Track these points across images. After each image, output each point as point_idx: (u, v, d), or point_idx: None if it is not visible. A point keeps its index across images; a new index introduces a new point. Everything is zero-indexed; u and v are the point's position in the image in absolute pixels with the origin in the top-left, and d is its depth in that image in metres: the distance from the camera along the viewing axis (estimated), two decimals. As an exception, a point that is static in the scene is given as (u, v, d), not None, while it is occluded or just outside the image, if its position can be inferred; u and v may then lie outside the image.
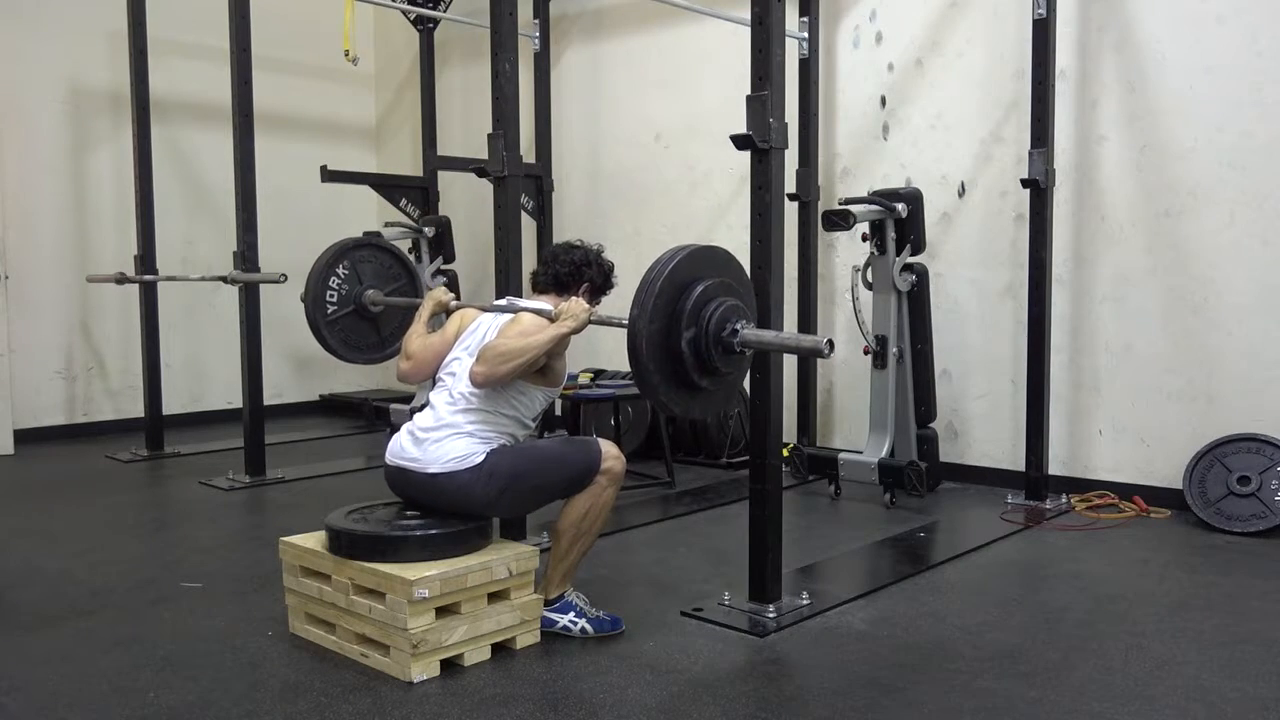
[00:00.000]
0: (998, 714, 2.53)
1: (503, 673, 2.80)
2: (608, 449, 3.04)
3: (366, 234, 4.41)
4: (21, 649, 3.00)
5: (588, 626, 3.08)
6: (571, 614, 3.09)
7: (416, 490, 3.01)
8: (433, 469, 2.93)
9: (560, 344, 3.01)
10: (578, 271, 3.20)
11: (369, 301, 3.91)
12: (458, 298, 6.70)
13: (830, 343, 2.69)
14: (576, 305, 3.00)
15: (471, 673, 2.80)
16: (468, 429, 2.97)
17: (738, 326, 2.79)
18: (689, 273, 2.78)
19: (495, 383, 2.95)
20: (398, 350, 3.42)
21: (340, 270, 3.89)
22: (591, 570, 3.71)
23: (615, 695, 2.64)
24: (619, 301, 3.07)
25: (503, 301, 3.35)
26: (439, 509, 2.99)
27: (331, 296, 3.89)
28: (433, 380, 3.21)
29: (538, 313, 3.05)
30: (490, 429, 3.00)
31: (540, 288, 3.26)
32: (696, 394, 2.86)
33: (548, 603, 3.08)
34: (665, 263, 2.75)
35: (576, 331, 2.97)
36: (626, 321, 2.75)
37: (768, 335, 2.86)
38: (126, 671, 2.81)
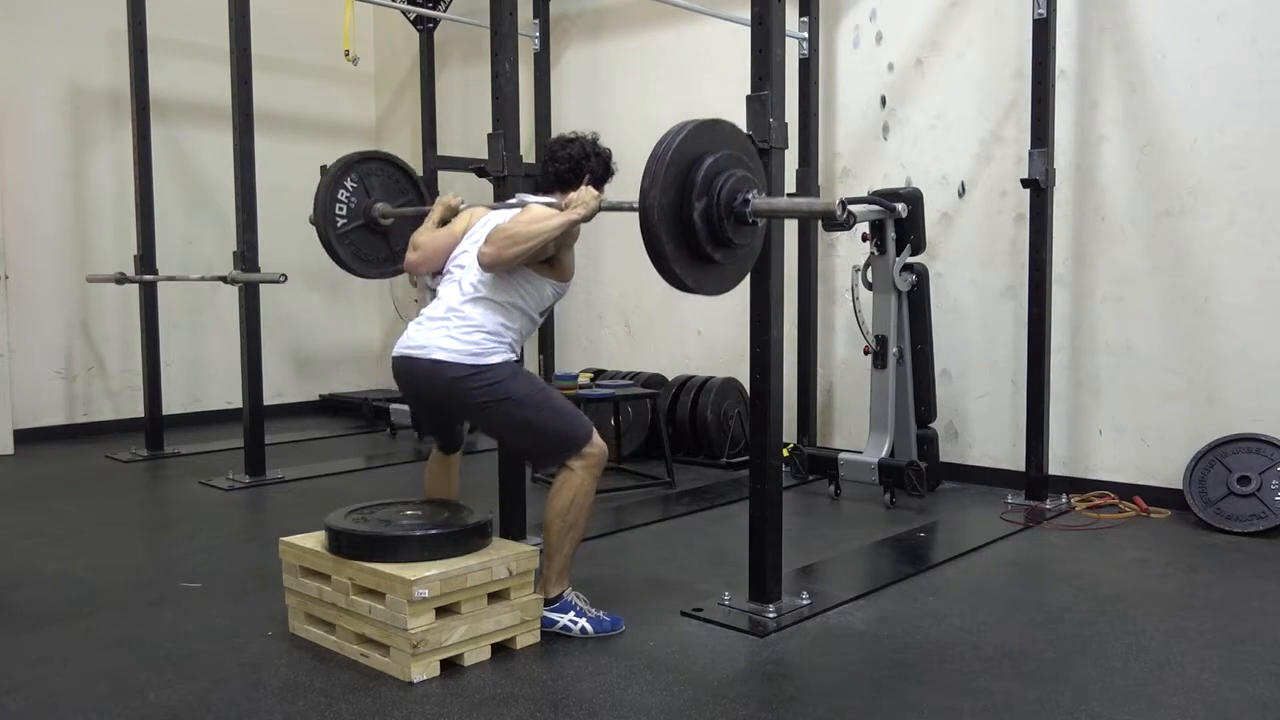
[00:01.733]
0: (998, 714, 2.53)
1: (503, 673, 2.80)
2: (595, 436, 3.06)
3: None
4: (21, 649, 3.00)
5: (588, 626, 3.07)
6: (571, 613, 3.08)
7: (420, 381, 3.01)
8: (436, 355, 2.94)
9: (570, 234, 3.02)
10: (577, 166, 3.17)
11: (379, 214, 3.85)
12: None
13: (843, 204, 2.66)
14: (586, 193, 2.99)
15: (471, 673, 2.80)
16: (477, 320, 2.98)
17: (749, 196, 2.77)
18: (698, 145, 2.75)
19: (502, 266, 2.95)
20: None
21: (348, 184, 3.83)
22: (591, 570, 3.71)
23: (615, 695, 2.64)
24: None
25: (513, 200, 3.36)
26: (430, 399, 3.02)
27: (341, 210, 3.83)
28: (441, 278, 3.21)
29: (547, 204, 3.06)
30: (500, 321, 3.00)
31: (543, 189, 3.25)
32: (709, 267, 2.84)
33: (547, 602, 3.08)
34: (674, 135, 2.71)
35: (587, 219, 2.98)
36: (630, 205, 2.73)
37: (779, 202, 2.85)
38: (126, 671, 2.81)
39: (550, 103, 6.59)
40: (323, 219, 3.84)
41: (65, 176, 6.66)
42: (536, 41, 6.52)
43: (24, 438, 6.30)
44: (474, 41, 7.11)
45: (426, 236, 3.28)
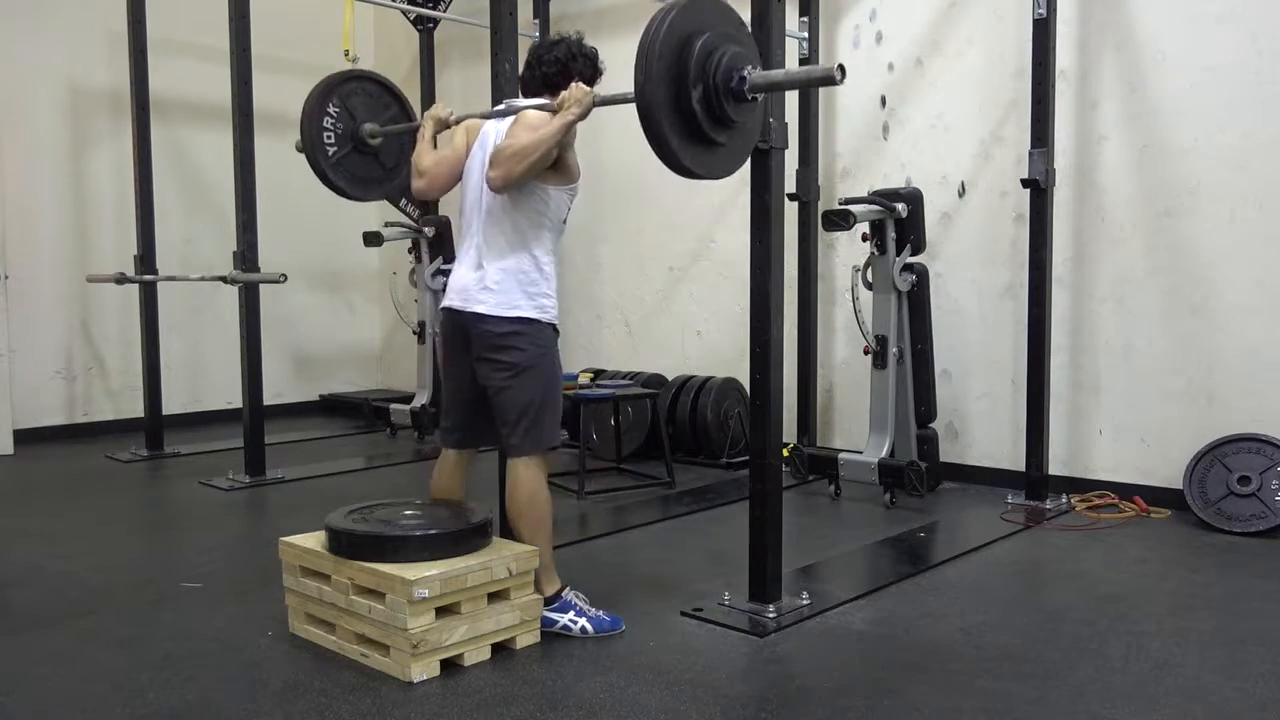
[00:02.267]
0: (998, 714, 2.53)
1: (503, 673, 2.80)
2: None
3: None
4: (21, 649, 3.00)
5: (588, 626, 3.07)
6: (571, 613, 3.08)
7: (462, 331, 3.04)
8: (478, 308, 2.98)
9: (569, 134, 2.96)
10: (565, 68, 3.11)
11: (367, 134, 3.79)
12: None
13: (841, 68, 2.60)
14: (578, 90, 2.92)
15: (471, 673, 2.79)
16: (512, 260, 2.98)
17: (744, 74, 2.71)
18: (685, 28, 2.67)
19: (514, 183, 2.92)
20: (407, 179, 3.40)
21: (331, 110, 3.76)
22: (592, 570, 3.71)
23: (615, 695, 2.64)
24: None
25: (501, 106, 3.29)
26: (468, 348, 3.03)
27: (329, 138, 3.76)
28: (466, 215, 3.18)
29: (539, 109, 3.00)
30: (532, 252, 3.01)
31: (531, 92, 3.17)
32: (715, 149, 2.80)
33: (546, 602, 3.07)
34: (659, 24, 2.63)
35: (583, 117, 2.92)
36: (633, 97, 2.66)
37: (776, 74, 2.79)
38: (126, 671, 2.81)
39: (550, 103, 6.58)
40: (313, 150, 3.77)
41: (65, 176, 6.66)
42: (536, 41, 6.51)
43: (24, 438, 6.30)
44: (474, 41, 7.10)
45: (430, 160, 3.21)
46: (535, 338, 3.01)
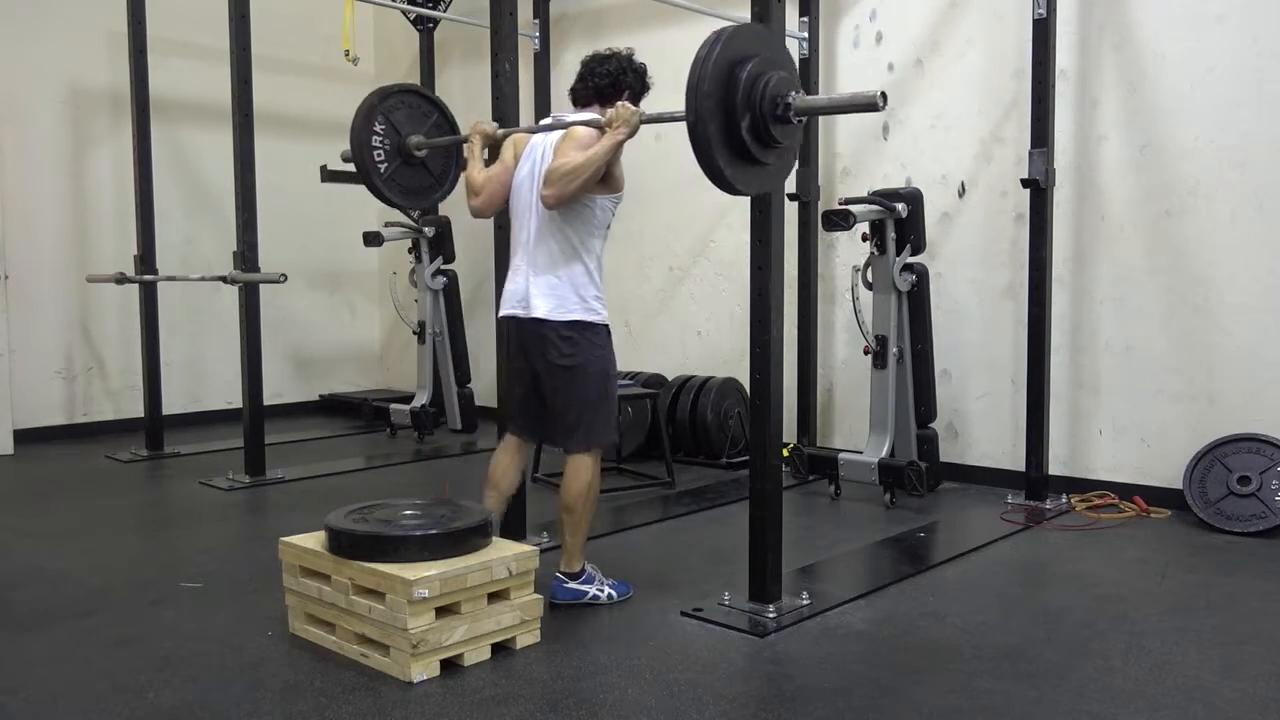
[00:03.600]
0: (998, 714, 2.53)
1: (503, 673, 2.80)
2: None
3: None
4: (21, 649, 3.00)
5: (612, 593, 3.32)
6: (596, 583, 3.31)
7: (521, 336, 3.22)
8: (538, 313, 3.15)
9: (618, 151, 3.11)
10: (616, 82, 3.26)
11: (414, 147, 3.91)
12: (458, 297, 6.76)
13: (884, 94, 2.72)
14: (625, 109, 3.05)
15: (471, 673, 2.79)
16: (565, 268, 3.14)
17: (790, 100, 2.80)
18: (729, 59, 2.76)
19: (567, 200, 3.08)
20: (453, 185, 3.50)
21: (377, 128, 3.88)
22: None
23: (615, 695, 2.64)
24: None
25: (548, 120, 3.42)
26: (527, 353, 3.21)
27: (379, 155, 3.89)
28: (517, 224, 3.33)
29: (587, 124, 3.13)
30: (583, 262, 3.16)
31: (581, 103, 3.32)
32: (762, 168, 2.91)
33: (571, 576, 3.28)
34: (704, 60, 2.73)
35: (631, 135, 3.07)
36: (680, 115, 2.79)
37: (820, 100, 2.96)
38: (126, 671, 2.81)
39: (550, 103, 6.58)
40: (366, 171, 3.90)
41: (65, 176, 6.66)
42: (536, 41, 6.51)
43: (24, 438, 6.30)
44: (474, 41, 7.10)
45: (482, 177, 3.35)
46: (590, 339, 3.19)
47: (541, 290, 3.17)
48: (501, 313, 3.32)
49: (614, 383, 3.31)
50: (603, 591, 3.31)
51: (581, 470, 3.24)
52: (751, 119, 2.76)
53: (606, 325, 3.25)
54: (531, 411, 3.37)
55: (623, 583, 3.39)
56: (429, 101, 4.01)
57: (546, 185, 3.07)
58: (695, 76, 2.70)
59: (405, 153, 3.92)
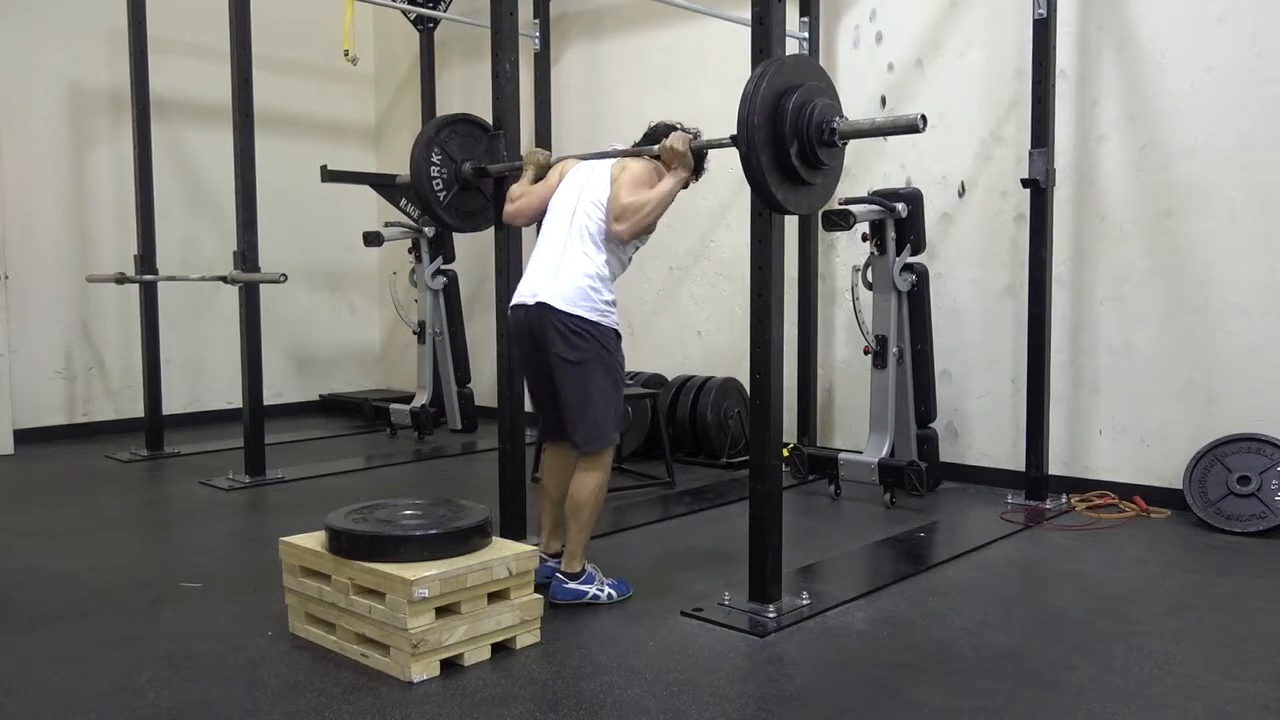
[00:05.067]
0: (998, 714, 2.53)
1: (503, 673, 2.80)
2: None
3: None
4: (21, 649, 3.00)
5: (613, 592, 3.36)
6: (596, 583, 3.34)
7: (530, 326, 3.30)
8: (551, 301, 3.24)
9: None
10: (656, 133, 3.48)
11: (469, 173, 4.03)
12: (458, 297, 6.76)
13: (924, 117, 2.79)
14: (678, 140, 3.26)
15: (471, 673, 2.80)
16: (590, 271, 3.27)
17: (834, 125, 2.91)
18: (776, 90, 2.87)
19: (642, 233, 3.30)
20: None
21: (434, 159, 4.01)
22: (591, 570, 3.71)
23: (615, 695, 2.64)
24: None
25: (606, 148, 3.61)
26: (538, 344, 3.30)
27: (438, 185, 4.02)
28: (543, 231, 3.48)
29: (638, 153, 3.34)
30: (605, 272, 3.30)
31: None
32: (811, 189, 3.04)
33: (572, 576, 3.32)
34: (753, 94, 2.84)
35: (689, 170, 3.31)
36: (725, 141, 3.03)
37: (864, 124, 3.01)
38: (126, 671, 2.81)
39: (550, 103, 6.59)
40: (428, 202, 4.04)
41: (65, 176, 6.66)
42: (536, 41, 6.51)
43: (24, 438, 6.30)
44: (474, 41, 7.11)
45: (519, 190, 3.63)
46: (598, 338, 3.26)
47: (557, 290, 3.26)
48: (512, 302, 3.42)
49: (620, 386, 3.37)
50: (602, 591, 3.34)
51: (592, 472, 3.31)
52: (799, 145, 2.90)
53: (616, 329, 3.33)
54: (550, 411, 3.44)
55: (622, 582, 3.41)
56: (478, 127, 4.13)
57: (619, 221, 3.25)
58: (746, 110, 2.83)
59: (462, 179, 4.06)
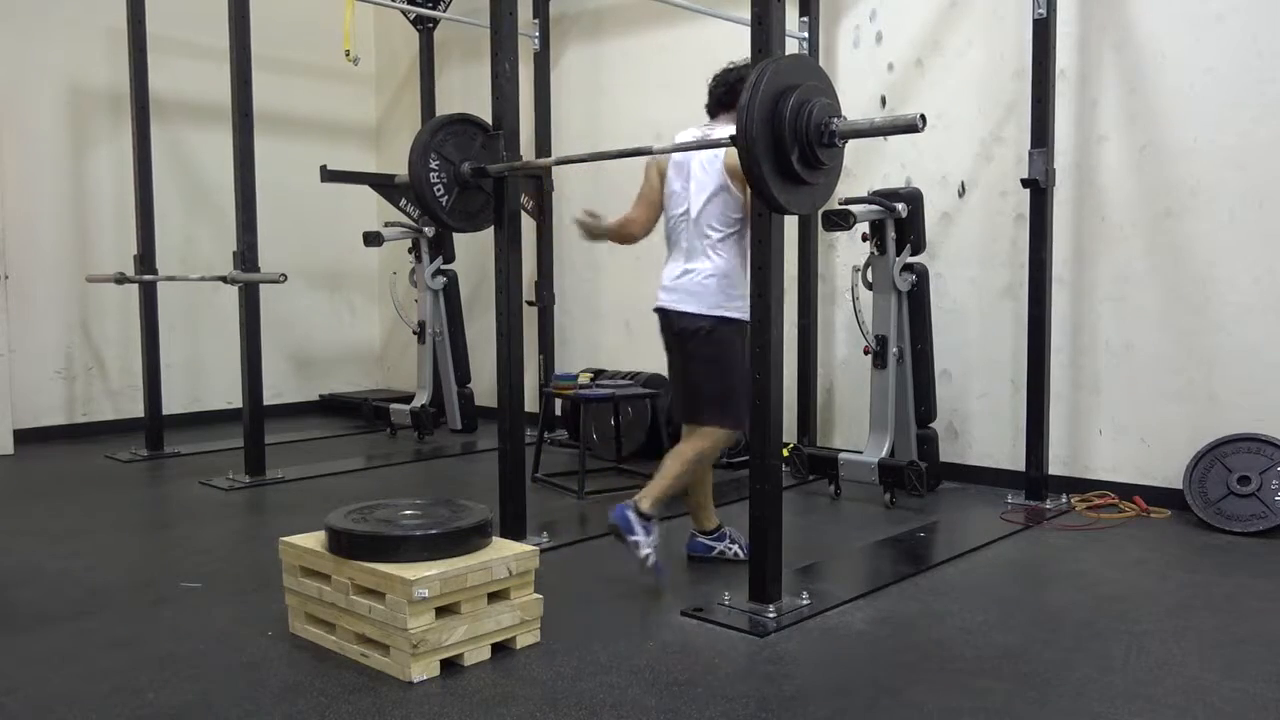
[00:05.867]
0: (998, 714, 2.53)
1: (503, 673, 2.80)
2: (739, 430, 3.62)
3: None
4: (21, 649, 3.00)
5: (739, 551, 3.72)
6: (727, 540, 3.75)
7: (669, 327, 3.64)
8: (681, 306, 3.55)
9: None
10: (733, 90, 3.51)
11: (469, 173, 4.02)
12: (458, 297, 6.76)
13: (923, 116, 2.80)
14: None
15: (471, 673, 2.80)
16: (716, 267, 3.53)
17: (833, 127, 2.91)
18: (774, 92, 2.87)
19: None
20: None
21: (433, 164, 4.00)
22: (592, 570, 3.72)
23: (615, 695, 2.64)
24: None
25: (694, 137, 3.61)
26: (677, 343, 3.63)
27: (439, 191, 4.00)
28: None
29: (715, 143, 3.32)
30: (736, 261, 3.52)
31: (712, 115, 3.72)
32: (812, 189, 3.05)
33: (706, 534, 3.76)
34: (751, 95, 2.83)
35: None
36: (726, 142, 3.07)
37: (861, 124, 3.01)
38: (126, 671, 2.81)
39: (550, 103, 6.59)
40: (434, 210, 4.03)
41: (65, 176, 6.66)
42: (536, 41, 6.52)
43: (24, 438, 6.31)
44: (474, 41, 7.10)
45: (619, 222, 3.80)
46: (726, 333, 3.52)
47: (689, 287, 3.55)
48: (655, 305, 3.68)
49: (745, 377, 3.46)
50: (731, 549, 3.74)
51: (699, 440, 3.58)
52: (798, 145, 2.90)
53: (744, 321, 3.44)
54: (681, 397, 3.71)
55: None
56: (472, 124, 4.11)
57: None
58: (744, 114, 2.82)
59: (461, 179, 4.05)
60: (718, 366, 3.55)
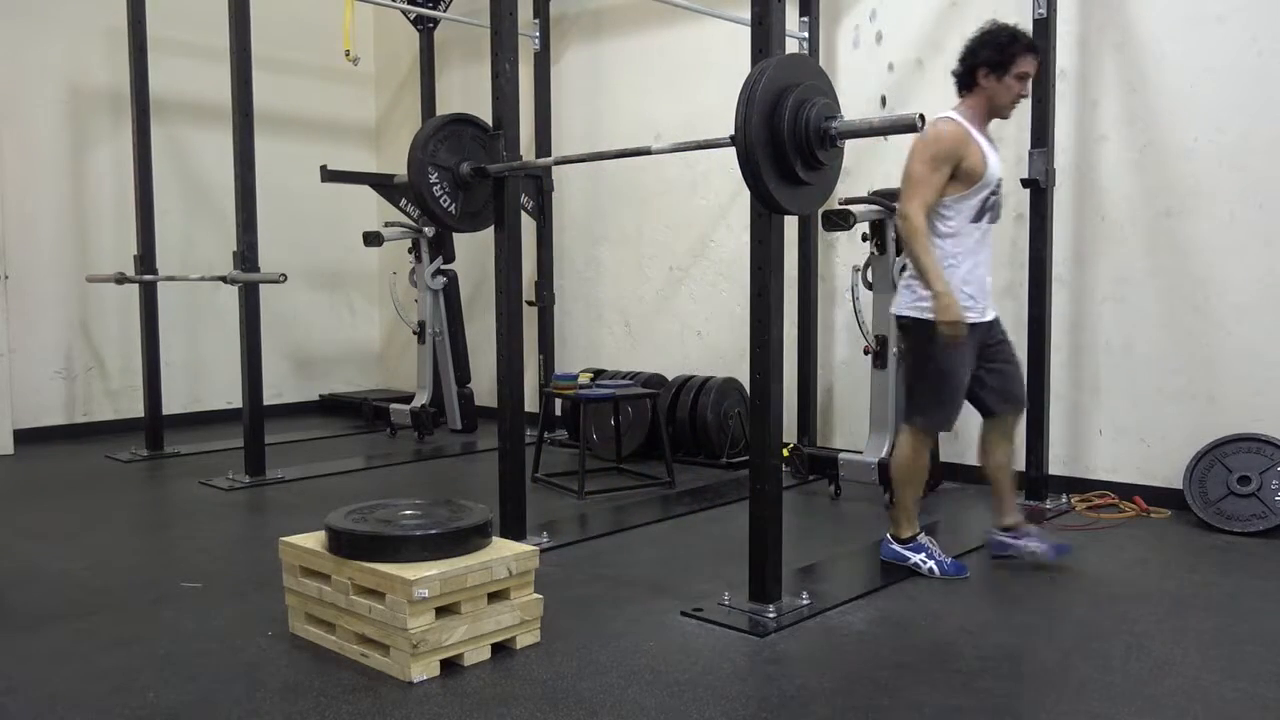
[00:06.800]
0: (998, 714, 2.53)
1: (503, 673, 2.80)
2: (936, 429, 3.68)
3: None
4: (21, 649, 3.00)
5: (935, 567, 3.58)
6: (923, 554, 3.60)
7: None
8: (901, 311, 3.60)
9: (959, 165, 3.47)
10: (970, 68, 3.47)
11: (467, 174, 4.01)
12: (458, 297, 6.76)
13: (922, 116, 2.79)
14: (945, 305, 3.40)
15: (471, 673, 2.80)
16: (913, 279, 3.54)
17: (832, 130, 2.92)
18: (773, 91, 2.87)
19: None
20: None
21: (432, 178, 3.99)
22: (592, 570, 3.72)
23: (615, 695, 2.64)
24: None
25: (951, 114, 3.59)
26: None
27: (444, 201, 4.00)
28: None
29: (714, 143, 3.26)
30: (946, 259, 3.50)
31: (959, 93, 3.58)
32: (809, 189, 3.07)
33: (901, 541, 3.64)
34: (750, 93, 2.83)
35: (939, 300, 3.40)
36: (722, 141, 3.03)
37: (860, 124, 3.00)
38: (126, 671, 2.81)
39: (550, 103, 6.59)
40: (439, 218, 4.03)
41: (65, 176, 6.66)
42: (536, 41, 6.52)
43: (24, 438, 6.31)
44: (474, 41, 7.11)
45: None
46: (919, 332, 3.52)
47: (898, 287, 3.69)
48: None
49: (939, 374, 3.54)
50: (925, 564, 3.58)
51: (900, 444, 3.67)
52: (797, 145, 2.90)
53: (935, 320, 3.42)
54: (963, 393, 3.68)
55: (958, 564, 3.61)
56: (459, 122, 4.10)
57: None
58: (743, 109, 2.83)
59: (461, 181, 4.04)
60: (910, 366, 3.68)
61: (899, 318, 3.61)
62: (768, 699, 2.64)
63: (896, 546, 3.66)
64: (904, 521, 3.66)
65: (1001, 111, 3.54)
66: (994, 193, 3.54)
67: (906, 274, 3.58)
